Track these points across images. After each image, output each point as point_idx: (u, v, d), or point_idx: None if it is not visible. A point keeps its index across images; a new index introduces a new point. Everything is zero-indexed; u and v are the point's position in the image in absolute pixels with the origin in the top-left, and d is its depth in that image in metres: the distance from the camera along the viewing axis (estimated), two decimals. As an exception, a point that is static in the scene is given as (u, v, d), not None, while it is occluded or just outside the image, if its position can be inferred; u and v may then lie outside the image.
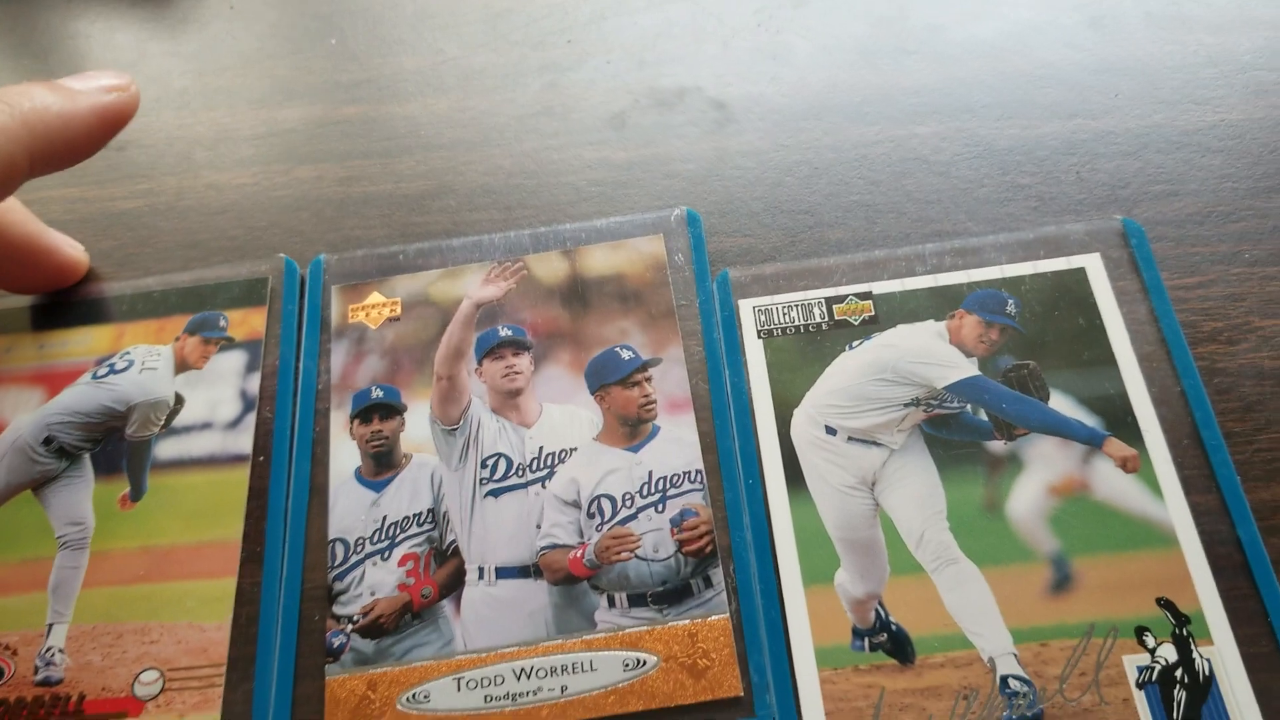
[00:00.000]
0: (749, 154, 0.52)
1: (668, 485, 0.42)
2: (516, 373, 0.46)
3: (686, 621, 0.40)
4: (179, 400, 0.46)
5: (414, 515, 0.43)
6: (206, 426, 0.46)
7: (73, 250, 0.49)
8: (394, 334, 0.47)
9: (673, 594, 0.40)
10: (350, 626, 0.41)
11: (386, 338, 0.47)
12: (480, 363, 0.46)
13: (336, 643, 0.40)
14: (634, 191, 0.51)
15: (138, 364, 0.47)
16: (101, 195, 0.54)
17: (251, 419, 0.46)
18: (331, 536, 0.43)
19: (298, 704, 0.39)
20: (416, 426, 0.45)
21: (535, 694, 0.38)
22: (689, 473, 0.42)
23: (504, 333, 0.47)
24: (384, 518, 0.43)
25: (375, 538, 0.42)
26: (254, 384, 0.46)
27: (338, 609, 0.41)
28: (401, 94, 0.56)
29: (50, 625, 0.42)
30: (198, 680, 0.40)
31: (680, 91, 0.54)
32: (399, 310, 0.48)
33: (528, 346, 0.46)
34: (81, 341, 0.49)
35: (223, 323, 0.48)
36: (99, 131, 0.42)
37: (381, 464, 0.44)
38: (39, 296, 0.51)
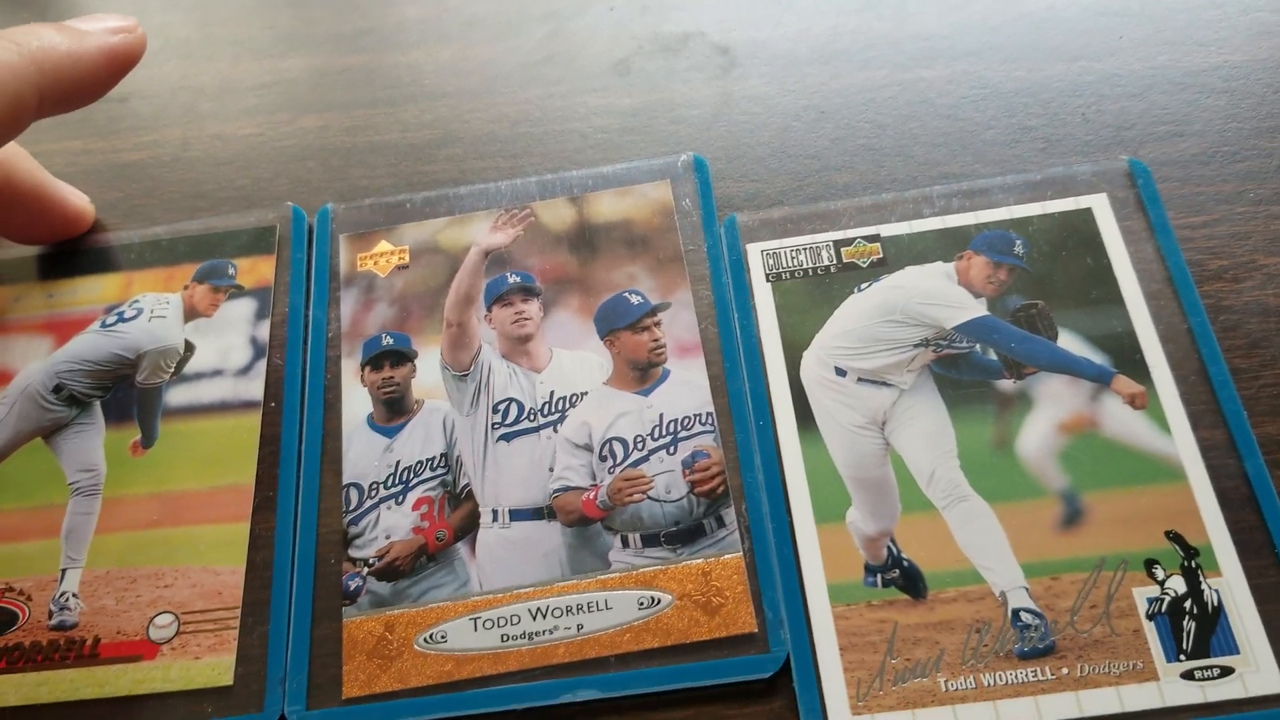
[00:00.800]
0: (754, 99, 0.52)
1: (678, 428, 0.43)
2: (526, 319, 0.46)
3: (700, 560, 0.40)
4: (189, 347, 0.47)
5: (427, 460, 0.43)
6: (217, 373, 0.46)
7: (79, 200, 0.49)
8: (403, 282, 0.47)
9: (685, 534, 0.41)
10: (366, 569, 0.41)
11: (395, 285, 0.47)
12: (490, 309, 0.46)
13: (353, 585, 0.40)
14: (640, 138, 0.51)
15: (147, 312, 0.47)
16: (105, 147, 0.54)
17: (262, 366, 0.46)
18: (345, 481, 0.43)
19: (315, 646, 0.40)
20: (427, 372, 0.45)
21: (551, 633, 0.39)
22: (699, 415, 0.43)
23: (512, 279, 0.47)
24: (397, 462, 0.43)
25: (389, 482, 0.43)
26: (264, 331, 0.46)
27: (353, 552, 0.41)
28: (404, 43, 0.56)
29: (64, 571, 0.42)
30: (212, 623, 0.40)
31: (684, 37, 0.54)
32: (407, 258, 0.48)
33: (536, 293, 0.46)
34: (90, 290, 0.49)
35: (231, 271, 0.48)
36: (106, 72, 0.42)
37: (393, 410, 0.44)
38: (45, 246, 0.50)
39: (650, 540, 0.41)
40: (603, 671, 0.39)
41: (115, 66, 0.42)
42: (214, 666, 0.40)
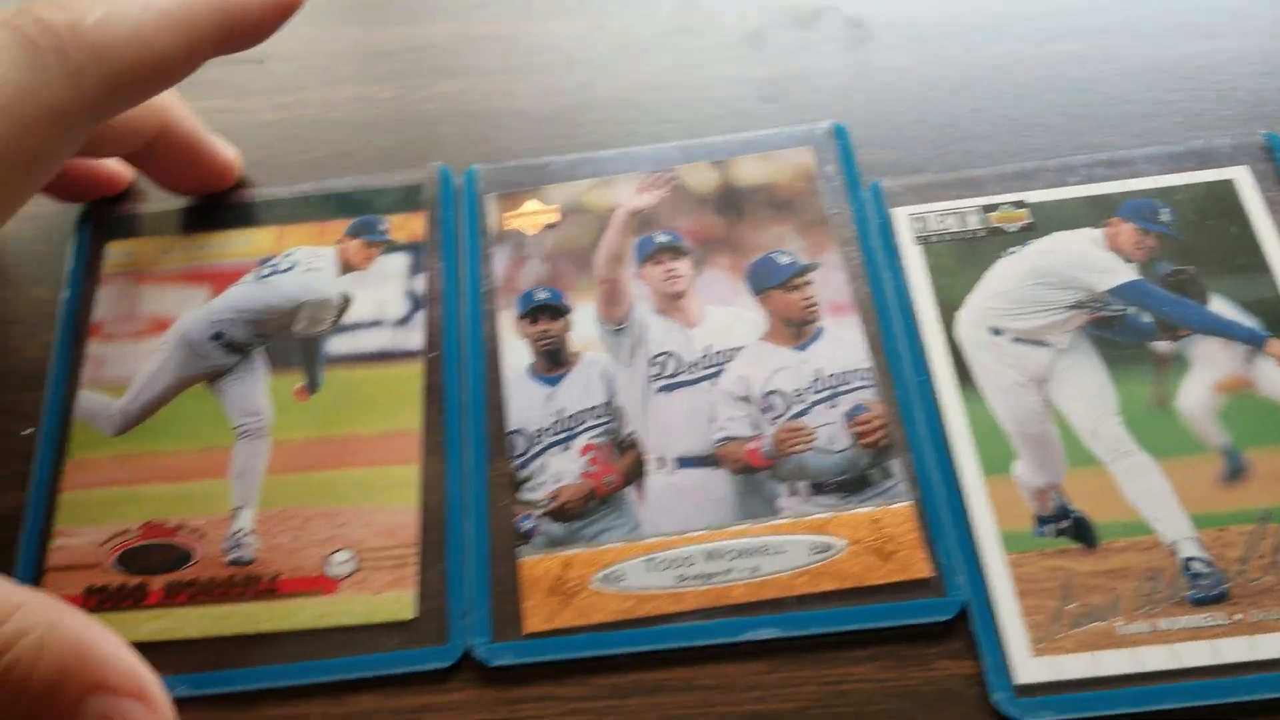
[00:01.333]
0: (890, 70, 0.53)
1: (837, 382, 0.44)
2: (676, 276, 0.47)
3: (869, 509, 0.41)
4: (346, 299, 0.47)
5: (590, 409, 0.44)
6: (376, 324, 0.47)
7: (229, 153, 0.52)
8: (552, 240, 0.48)
9: (852, 483, 0.42)
10: (539, 511, 0.42)
11: (545, 243, 0.48)
12: (640, 267, 0.47)
13: (526, 526, 0.41)
14: (777, 106, 0.52)
15: (301, 265, 0.49)
16: (245, 107, 0.55)
17: (419, 317, 0.47)
18: (511, 428, 0.44)
19: (493, 583, 0.40)
20: (583, 325, 0.46)
21: (727, 574, 0.40)
22: (857, 370, 0.44)
23: (661, 239, 0.48)
24: (561, 410, 0.44)
25: (554, 429, 0.44)
26: (419, 284, 0.48)
27: (524, 495, 0.42)
28: (539, 12, 0.57)
29: (236, 509, 0.43)
30: (390, 560, 0.41)
31: (816, 10, 0.56)
32: (557, 217, 0.49)
33: (685, 251, 0.47)
34: (242, 243, 0.50)
35: (383, 227, 0.49)
36: (273, 15, 0.42)
37: (553, 361, 0.45)
38: (196, 199, 0.53)
39: (818, 489, 0.42)
40: (780, 611, 0.39)
41: (281, 11, 0.43)
42: (395, 601, 0.40)
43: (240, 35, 0.42)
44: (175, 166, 0.49)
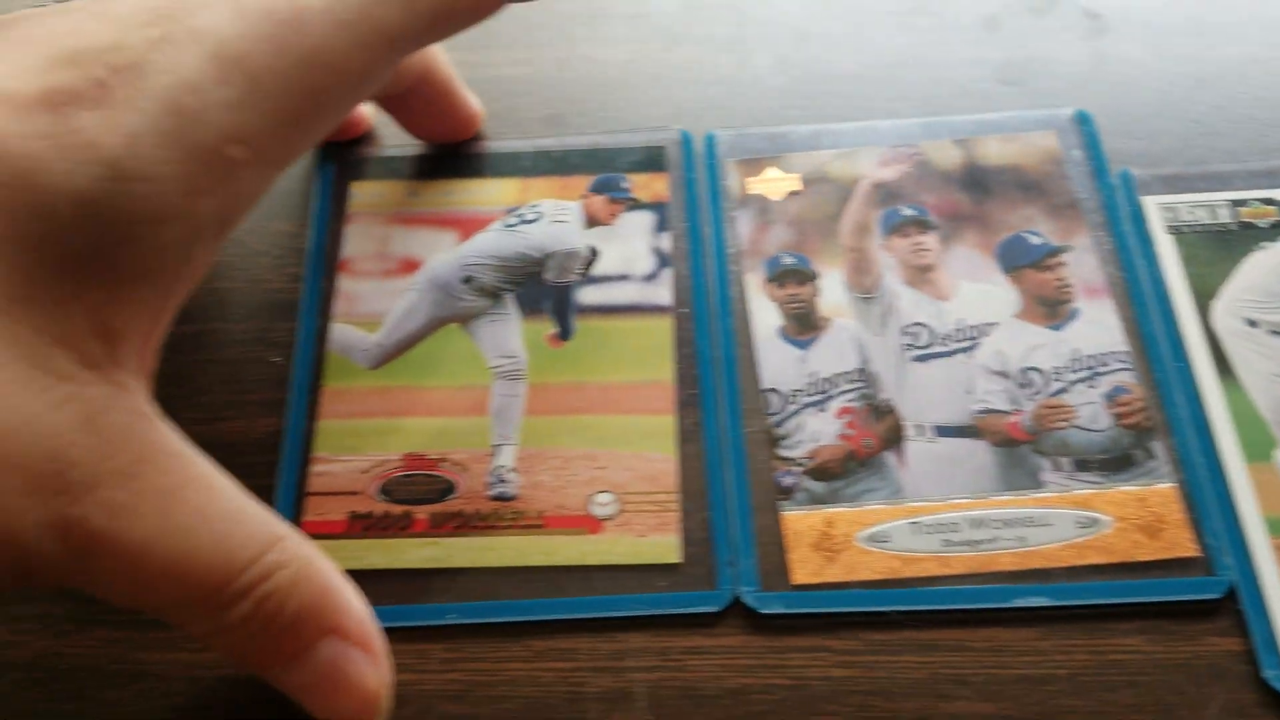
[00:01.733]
0: (1129, 63, 0.53)
1: (1095, 363, 0.44)
2: (925, 249, 0.47)
3: (1134, 487, 0.41)
4: (593, 252, 0.48)
5: (843, 373, 0.45)
6: (624, 278, 0.48)
7: (475, 104, 0.53)
8: (796, 207, 0.49)
9: (1115, 462, 0.42)
10: (799, 469, 0.42)
11: (789, 210, 0.49)
12: (887, 238, 0.47)
13: (787, 482, 0.42)
14: (1015, 90, 0.53)
15: (547, 216, 0.49)
16: (481, 61, 0.55)
17: (667, 274, 0.47)
18: (765, 387, 0.44)
19: (757, 534, 0.41)
20: (832, 292, 0.47)
21: (993, 542, 0.40)
22: (1115, 353, 0.44)
23: (907, 212, 0.48)
24: (814, 373, 0.45)
25: (809, 390, 0.44)
26: (664, 242, 0.48)
27: (782, 452, 0.43)
28: (769, -14, 0.57)
29: (496, 446, 0.44)
30: (653, 505, 0.42)
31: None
32: (799, 185, 0.49)
33: (932, 226, 0.48)
34: (488, 192, 0.51)
35: (625, 185, 0.50)
36: None
37: (803, 324, 0.46)
38: (437, 147, 0.55)
39: (1081, 465, 0.42)
40: (1049, 582, 0.39)
41: None
42: (659, 545, 0.41)
43: None
44: (428, 113, 0.51)
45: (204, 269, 0.34)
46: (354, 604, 0.36)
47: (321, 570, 0.35)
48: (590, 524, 0.42)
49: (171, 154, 0.28)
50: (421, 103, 0.49)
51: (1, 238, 0.26)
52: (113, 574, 0.31)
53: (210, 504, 0.33)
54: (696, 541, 0.41)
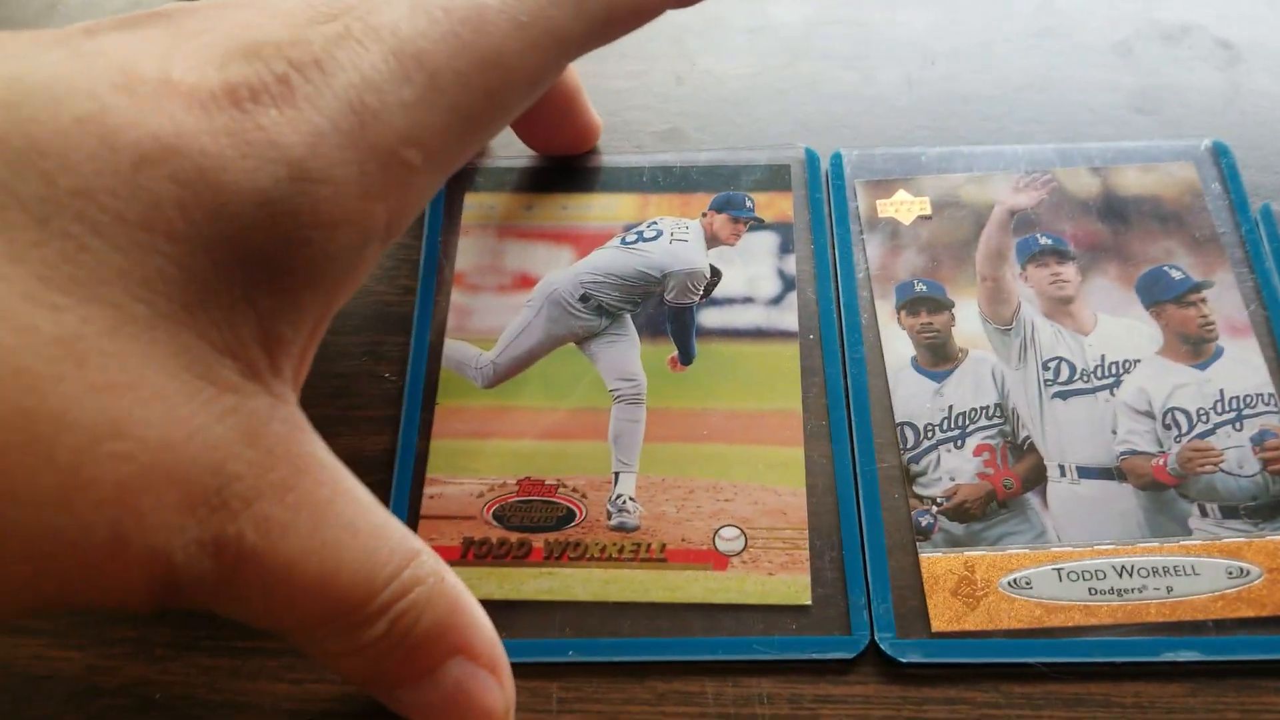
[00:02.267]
0: (1264, 95, 0.51)
1: (1241, 405, 0.42)
2: (1064, 280, 0.45)
3: (1284, 537, 0.39)
4: (715, 273, 0.46)
5: (981, 408, 0.42)
6: (748, 301, 0.46)
7: (595, 116, 0.51)
8: (928, 231, 0.47)
9: (1265, 509, 0.40)
10: (936, 508, 0.40)
11: (921, 234, 0.47)
12: (1024, 268, 0.45)
13: (924, 522, 0.40)
14: (1150, 118, 0.51)
15: (667, 234, 0.47)
16: (594, 72, 0.53)
17: (792, 298, 0.46)
18: (898, 420, 0.42)
19: (892, 575, 0.39)
20: (967, 322, 0.45)
21: (1140, 591, 0.38)
22: (1261, 395, 0.42)
23: (1044, 241, 0.46)
24: (950, 407, 0.43)
25: (944, 425, 0.42)
26: (790, 265, 0.46)
27: (918, 489, 0.41)
28: (890, 1, 0.55)
29: (617, 474, 0.42)
30: (781, 541, 0.40)
31: (1184, 27, 0.54)
32: (929, 209, 0.47)
33: (1070, 256, 0.46)
34: (606, 207, 0.49)
35: (749, 203, 0.48)
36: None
37: (938, 355, 0.44)
38: (554, 160, 0.53)
39: (1229, 512, 0.40)
40: (1200, 635, 0.37)
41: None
42: (789, 584, 0.39)
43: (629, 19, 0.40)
44: (550, 122, 0.50)
45: (365, 275, 0.33)
46: (483, 623, 0.35)
47: (453, 587, 0.34)
48: (716, 559, 0.40)
49: (351, 155, 0.28)
50: (547, 110, 0.48)
51: (178, 238, 0.26)
52: (257, 591, 0.30)
53: (359, 518, 0.32)
54: (828, 582, 0.39)
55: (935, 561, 0.39)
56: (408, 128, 0.31)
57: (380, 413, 0.45)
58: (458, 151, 0.33)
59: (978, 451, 0.42)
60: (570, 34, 0.35)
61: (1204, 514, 0.40)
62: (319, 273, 0.30)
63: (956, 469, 0.41)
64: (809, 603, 0.39)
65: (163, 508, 0.27)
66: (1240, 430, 0.42)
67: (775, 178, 0.49)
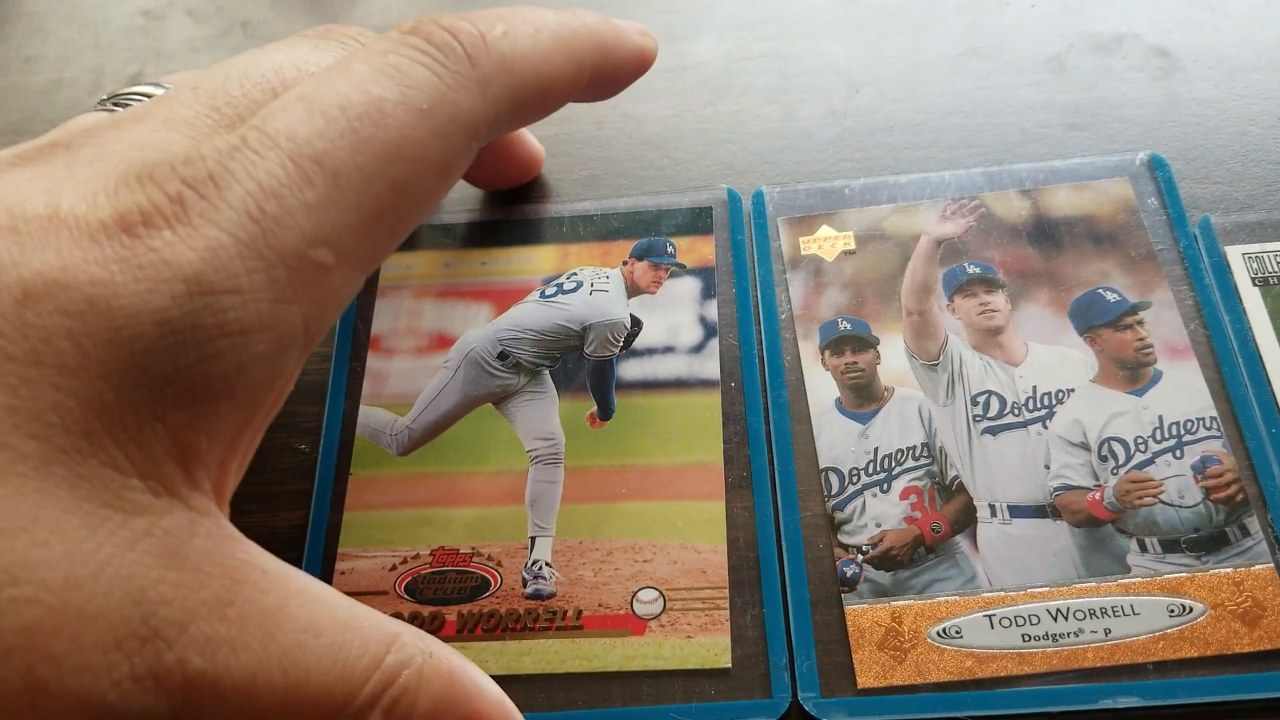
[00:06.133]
0: (1204, 102, 0.49)
1: (1181, 431, 0.39)
2: (993, 310, 0.43)
3: (1228, 569, 0.37)
4: (635, 323, 0.44)
5: (908, 449, 0.40)
6: (669, 350, 0.44)
7: (537, 146, 0.50)
8: (852, 267, 0.45)
9: (1208, 541, 0.38)
10: (861, 557, 0.38)
11: (845, 271, 0.45)
12: (951, 299, 0.43)
13: (849, 572, 0.38)
14: (1084, 135, 0.49)
15: (587, 285, 0.46)
16: (516, 121, 0.51)
17: (714, 345, 0.44)
18: (822, 466, 0.40)
19: (816, 631, 0.37)
20: (893, 359, 0.43)
21: (1077, 635, 0.36)
22: (1203, 419, 0.40)
23: (972, 270, 0.44)
24: (875, 449, 0.41)
25: (870, 469, 0.40)
26: (712, 311, 0.44)
27: (843, 538, 0.39)
28: (814, 31, 0.54)
29: (533, 538, 0.41)
30: (701, 602, 0.38)
31: (1117, 37, 0.52)
32: (853, 244, 0.45)
33: (1000, 284, 0.44)
34: (525, 260, 0.47)
35: (670, 249, 0.46)
36: (634, 65, 0.40)
37: (862, 396, 0.42)
38: (476, 214, 0.52)
39: (1170, 546, 0.38)
40: (1139, 679, 0.35)
41: (638, 69, 0.41)
42: (709, 647, 0.37)
43: (607, 77, 0.41)
44: (492, 156, 0.49)
45: (290, 383, 0.31)
46: (486, 686, 0.33)
47: (445, 660, 0.32)
48: (634, 624, 0.38)
49: (256, 263, 0.27)
50: (487, 148, 0.45)
51: (71, 370, 0.25)
52: (221, 717, 0.27)
53: (318, 616, 0.30)
54: (749, 642, 0.37)
55: (861, 613, 0.37)
56: (314, 229, 0.30)
57: (293, 487, 0.43)
58: (372, 247, 0.32)
59: (905, 494, 0.40)
60: (477, 118, 0.34)
61: (1143, 549, 0.38)
62: (233, 382, 0.29)
63: (883, 514, 0.40)
64: (729, 665, 0.37)
65: (81, 648, 0.25)
66: (1181, 458, 0.40)
67: (697, 221, 0.47)
